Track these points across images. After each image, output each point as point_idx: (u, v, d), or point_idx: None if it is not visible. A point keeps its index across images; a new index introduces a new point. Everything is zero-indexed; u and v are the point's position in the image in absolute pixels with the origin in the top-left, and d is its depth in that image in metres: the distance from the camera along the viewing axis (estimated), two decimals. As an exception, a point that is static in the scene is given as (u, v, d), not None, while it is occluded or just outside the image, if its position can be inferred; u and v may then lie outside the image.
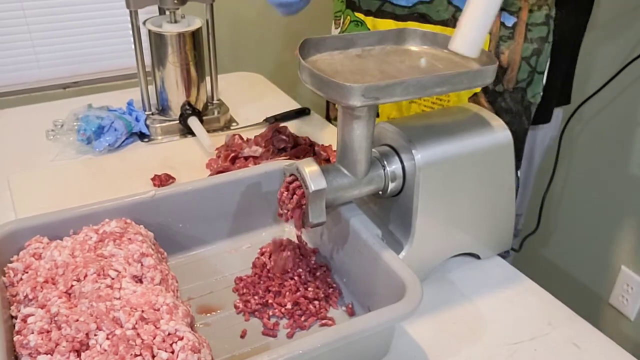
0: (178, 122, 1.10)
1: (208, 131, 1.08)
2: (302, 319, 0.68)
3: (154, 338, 0.52)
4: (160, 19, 1.07)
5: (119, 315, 0.54)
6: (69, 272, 0.58)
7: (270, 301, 0.69)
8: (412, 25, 0.90)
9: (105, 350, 0.51)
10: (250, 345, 0.65)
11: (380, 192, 0.72)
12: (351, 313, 0.70)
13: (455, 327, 0.69)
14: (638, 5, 1.34)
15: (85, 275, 0.58)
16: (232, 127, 1.15)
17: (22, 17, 1.66)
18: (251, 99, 1.28)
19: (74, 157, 1.02)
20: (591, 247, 1.59)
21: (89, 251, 0.62)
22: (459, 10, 0.87)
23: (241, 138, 1.02)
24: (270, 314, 0.68)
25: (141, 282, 0.60)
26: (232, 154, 0.97)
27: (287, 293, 0.70)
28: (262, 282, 0.72)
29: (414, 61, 0.71)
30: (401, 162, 0.70)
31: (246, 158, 0.96)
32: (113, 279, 0.58)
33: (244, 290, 0.71)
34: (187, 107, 1.09)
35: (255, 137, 1.02)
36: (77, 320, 0.52)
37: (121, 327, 0.53)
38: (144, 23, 1.06)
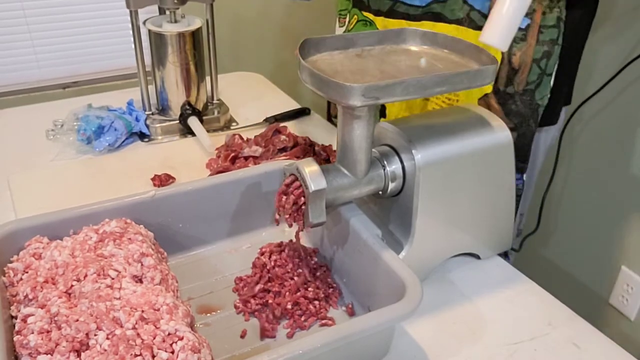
0: (178, 122, 1.10)
1: (208, 131, 1.08)
2: (302, 319, 0.68)
3: (154, 338, 0.52)
4: (160, 19, 1.07)
5: (119, 315, 0.54)
6: (69, 272, 0.58)
7: (270, 301, 0.69)
8: (426, 25, 0.90)
9: (105, 350, 0.51)
10: (250, 345, 0.65)
11: (380, 192, 0.72)
12: (351, 313, 0.70)
13: (455, 327, 0.69)
14: (638, 5, 1.33)
15: (85, 275, 0.58)
16: (232, 127, 1.15)
17: (22, 17, 1.66)
18: (251, 98, 1.28)
19: (74, 157, 1.02)
20: (591, 247, 1.59)
21: (89, 251, 0.62)
22: (473, 9, 0.87)
23: (241, 138, 1.02)
24: (270, 314, 0.68)
25: (141, 282, 0.60)
26: (232, 154, 0.97)
27: (287, 293, 0.70)
28: (262, 282, 0.72)
29: (414, 61, 0.71)
30: (401, 162, 0.70)
31: (246, 158, 0.96)
32: (113, 279, 0.58)
33: (244, 291, 0.71)
34: (187, 107, 1.09)
35: (255, 137, 1.02)
36: (77, 320, 0.52)
37: (121, 327, 0.53)
38: (144, 23, 1.06)
